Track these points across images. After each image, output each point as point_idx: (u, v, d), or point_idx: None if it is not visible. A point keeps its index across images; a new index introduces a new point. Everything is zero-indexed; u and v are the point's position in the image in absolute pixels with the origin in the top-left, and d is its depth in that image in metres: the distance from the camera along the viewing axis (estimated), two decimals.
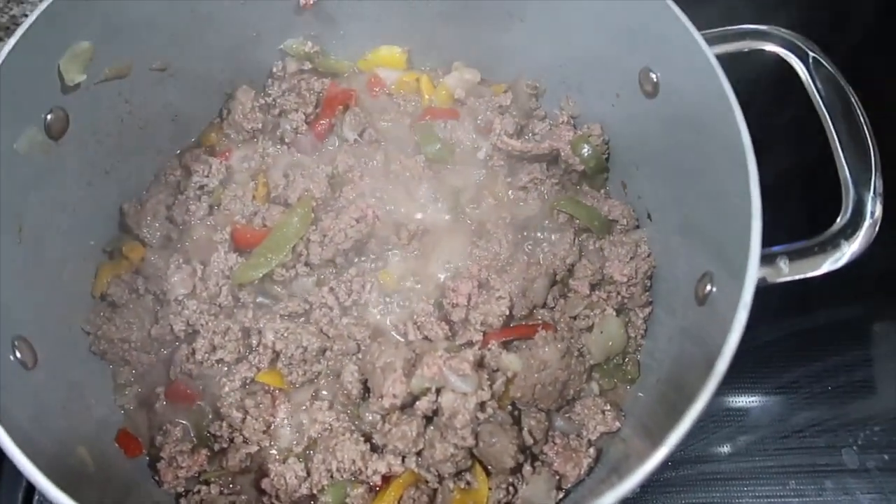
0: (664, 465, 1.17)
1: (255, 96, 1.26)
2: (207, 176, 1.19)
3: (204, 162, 1.20)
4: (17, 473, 1.07)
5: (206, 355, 1.07)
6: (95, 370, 1.06)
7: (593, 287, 1.13)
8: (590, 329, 1.10)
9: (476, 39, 1.26)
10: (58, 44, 0.93)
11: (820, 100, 0.89)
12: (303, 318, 1.10)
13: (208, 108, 1.27)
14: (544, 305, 1.13)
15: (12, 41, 0.85)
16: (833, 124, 0.87)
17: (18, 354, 0.84)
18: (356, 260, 1.14)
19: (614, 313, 1.11)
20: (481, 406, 0.98)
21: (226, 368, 1.08)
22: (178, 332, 1.08)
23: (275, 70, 1.28)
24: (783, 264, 0.81)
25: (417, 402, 0.99)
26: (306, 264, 1.11)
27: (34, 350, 0.88)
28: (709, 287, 0.89)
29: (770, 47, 0.94)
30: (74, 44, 0.94)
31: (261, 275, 1.08)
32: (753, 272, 0.75)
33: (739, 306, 0.75)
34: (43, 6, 0.88)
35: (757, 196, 0.79)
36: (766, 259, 0.80)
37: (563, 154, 1.20)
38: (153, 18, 1.05)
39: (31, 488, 1.11)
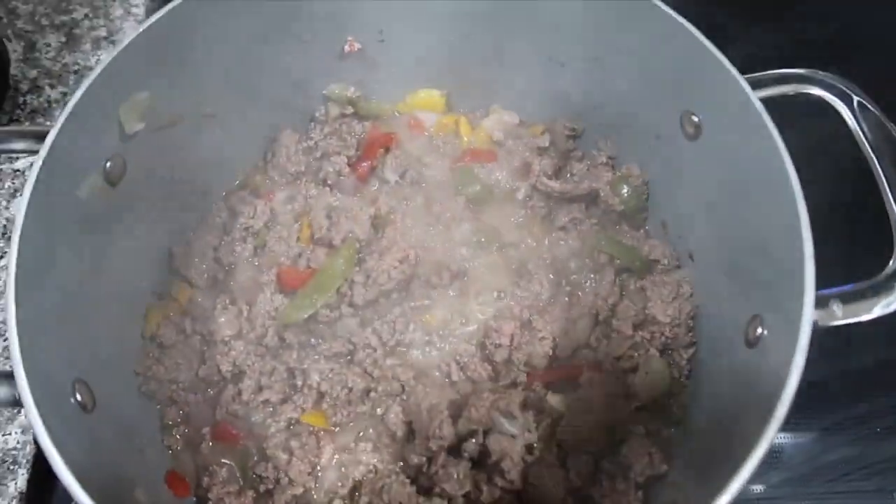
0: None
1: (299, 140, 1.30)
2: (252, 217, 1.21)
3: (249, 204, 1.23)
4: None
5: (252, 396, 1.08)
6: (145, 411, 1.08)
7: (636, 327, 1.13)
8: (634, 370, 1.09)
9: (514, 83, 1.28)
10: (118, 94, 0.96)
11: (866, 143, 0.90)
12: (347, 359, 1.11)
13: (253, 151, 1.30)
14: (587, 346, 1.13)
15: (78, 94, 0.88)
16: (882, 168, 0.88)
17: (79, 397, 0.86)
18: (399, 300, 1.15)
19: (658, 354, 1.10)
20: (528, 449, 0.98)
21: (271, 409, 1.08)
22: (225, 372, 1.09)
23: (317, 114, 1.32)
24: (836, 308, 0.81)
25: (464, 444, 0.99)
26: (350, 305, 1.13)
27: (92, 392, 0.89)
28: (760, 330, 0.88)
29: (814, 91, 0.95)
30: (134, 94, 0.98)
31: (306, 315, 1.10)
32: (809, 316, 0.75)
33: (796, 350, 0.75)
34: (107, 60, 0.92)
35: (809, 240, 0.79)
36: (819, 302, 0.79)
37: (602, 194, 1.21)
38: (207, 68, 1.08)
39: None
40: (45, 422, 0.73)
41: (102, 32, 1.50)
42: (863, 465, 1.20)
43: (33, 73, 1.45)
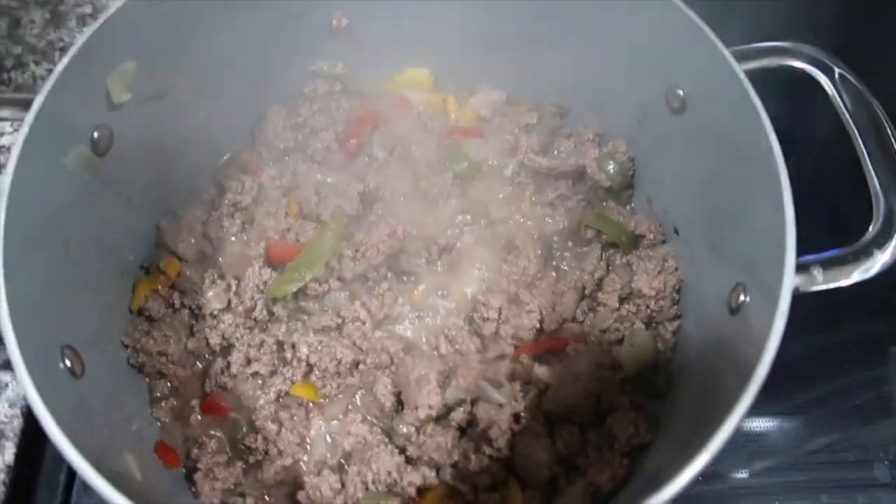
0: (695, 479, 1.18)
1: (287, 116, 1.30)
2: (241, 193, 1.22)
3: (237, 179, 1.23)
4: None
5: (241, 368, 1.08)
6: (133, 383, 1.08)
7: (622, 301, 1.14)
8: (619, 342, 1.11)
9: (501, 62, 1.28)
10: (105, 63, 0.96)
11: (847, 114, 0.91)
12: (336, 332, 1.12)
13: (241, 127, 1.30)
14: (573, 319, 1.14)
15: (65, 60, 0.88)
16: (861, 137, 0.89)
17: (68, 363, 0.86)
18: (388, 275, 1.16)
19: (643, 326, 1.12)
20: (515, 417, 0.99)
21: (260, 381, 1.09)
22: (214, 345, 1.10)
23: (306, 91, 1.32)
24: (816, 273, 0.82)
25: (452, 414, 1.00)
26: (339, 279, 1.13)
27: (82, 359, 0.89)
28: (742, 297, 0.90)
29: (796, 63, 0.96)
30: (121, 63, 0.97)
31: (294, 289, 1.10)
32: (789, 281, 0.77)
33: (777, 315, 0.76)
34: (92, 27, 0.91)
35: (790, 207, 0.80)
36: (800, 268, 0.81)
37: (589, 171, 1.22)
38: (193, 43, 1.08)
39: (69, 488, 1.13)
40: (35, 384, 0.73)
41: (87, 9, 1.49)
42: (844, 437, 1.22)
43: (18, 49, 1.43)
